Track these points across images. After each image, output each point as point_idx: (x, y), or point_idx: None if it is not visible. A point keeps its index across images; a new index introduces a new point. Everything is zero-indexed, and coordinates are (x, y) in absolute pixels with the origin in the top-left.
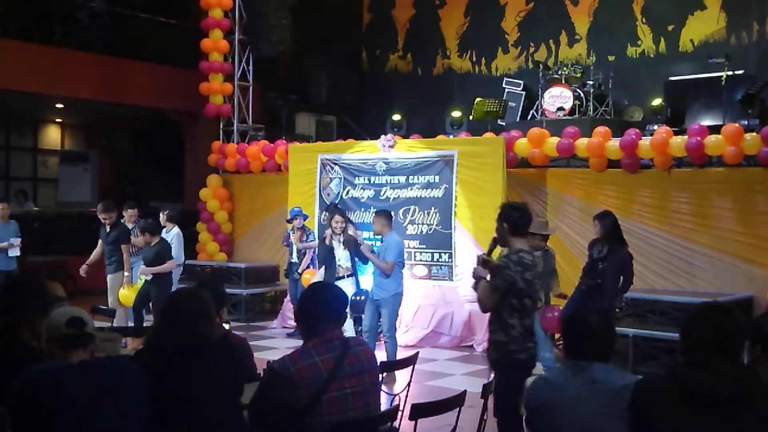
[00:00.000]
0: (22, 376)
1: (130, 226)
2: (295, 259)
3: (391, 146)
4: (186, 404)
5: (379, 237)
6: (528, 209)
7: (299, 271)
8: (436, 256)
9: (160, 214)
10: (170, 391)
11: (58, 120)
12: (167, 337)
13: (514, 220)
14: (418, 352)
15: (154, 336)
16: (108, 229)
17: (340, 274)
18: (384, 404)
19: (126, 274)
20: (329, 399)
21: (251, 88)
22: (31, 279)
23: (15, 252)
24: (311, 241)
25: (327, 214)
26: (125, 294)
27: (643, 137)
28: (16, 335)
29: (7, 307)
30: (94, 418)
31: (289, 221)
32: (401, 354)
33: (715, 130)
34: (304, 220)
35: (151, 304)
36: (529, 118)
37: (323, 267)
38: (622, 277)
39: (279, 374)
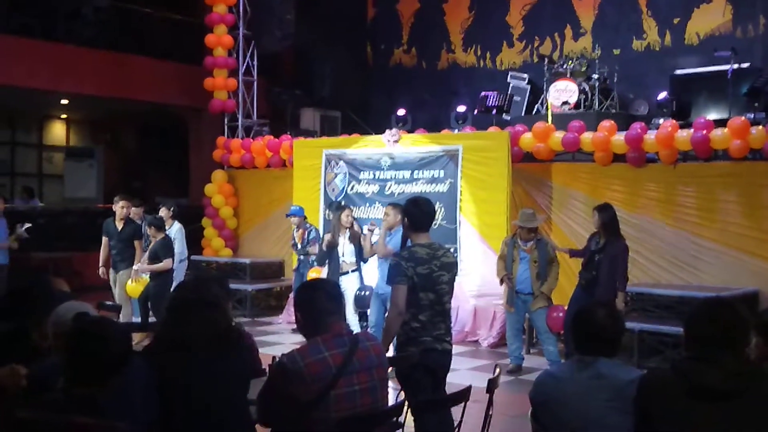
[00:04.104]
0: (32, 373)
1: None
2: (302, 257)
3: (396, 141)
4: (194, 399)
5: (389, 231)
6: (429, 204)
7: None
8: None
9: (163, 210)
10: (178, 386)
11: (63, 116)
12: (177, 330)
13: (413, 215)
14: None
15: (163, 329)
16: (121, 226)
17: (344, 269)
18: (390, 399)
19: (135, 268)
20: (337, 395)
21: (255, 83)
22: (36, 278)
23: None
24: (313, 237)
25: (330, 212)
26: (133, 287)
27: (648, 131)
28: (24, 337)
29: (15, 309)
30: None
31: (288, 216)
32: None
33: (720, 123)
34: (301, 218)
35: (149, 303)
36: (534, 112)
37: (326, 264)
38: (617, 277)
39: (288, 368)
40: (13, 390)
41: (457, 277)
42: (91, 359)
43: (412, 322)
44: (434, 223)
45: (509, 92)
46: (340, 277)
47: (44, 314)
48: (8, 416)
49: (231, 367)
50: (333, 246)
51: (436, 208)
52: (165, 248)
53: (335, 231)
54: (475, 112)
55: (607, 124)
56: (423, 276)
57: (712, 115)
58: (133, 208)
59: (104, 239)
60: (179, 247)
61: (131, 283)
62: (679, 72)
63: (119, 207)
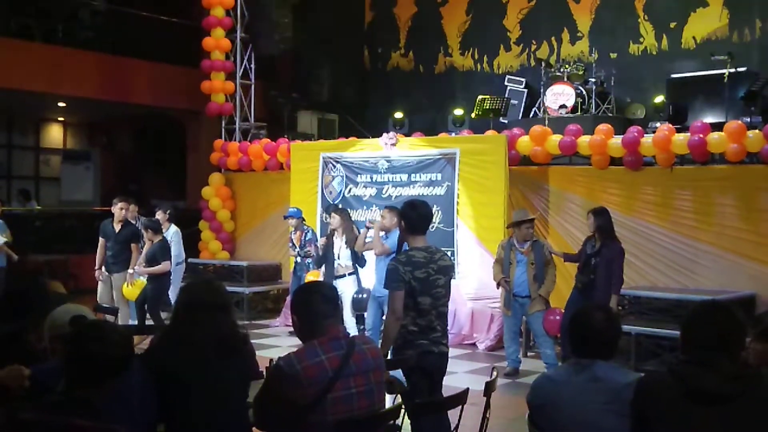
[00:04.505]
0: (34, 375)
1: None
2: (299, 259)
3: (393, 144)
4: (195, 399)
5: (384, 233)
6: (427, 207)
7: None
8: None
9: (159, 213)
10: (180, 385)
11: (60, 119)
12: (184, 329)
13: (410, 218)
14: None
15: (170, 328)
16: (119, 228)
17: (341, 273)
18: (387, 402)
19: (130, 271)
20: (334, 398)
21: (253, 86)
22: (33, 281)
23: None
24: (309, 238)
25: (327, 215)
26: (130, 290)
27: (645, 135)
28: (21, 340)
29: (12, 311)
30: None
31: (285, 218)
32: None
33: (717, 127)
34: (298, 219)
35: (146, 305)
36: (531, 115)
37: (323, 266)
38: (613, 277)
39: (284, 371)
40: (16, 390)
41: (454, 280)
42: (89, 362)
43: (409, 326)
44: (431, 226)
45: (506, 96)
46: (335, 280)
47: (41, 316)
48: (11, 417)
49: (234, 370)
50: (327, 246)
51: (434, 211)
52: (163, 251)
53: (330, 233)
54: (473, 115)
55: (603, 127)
56: (420, 280)
57: (709, 119)
58: (130, 206)
59: (101, 240)
60: (176, 249)
61: (128, 287)
62: (675, 76)
63: (118, 209)
